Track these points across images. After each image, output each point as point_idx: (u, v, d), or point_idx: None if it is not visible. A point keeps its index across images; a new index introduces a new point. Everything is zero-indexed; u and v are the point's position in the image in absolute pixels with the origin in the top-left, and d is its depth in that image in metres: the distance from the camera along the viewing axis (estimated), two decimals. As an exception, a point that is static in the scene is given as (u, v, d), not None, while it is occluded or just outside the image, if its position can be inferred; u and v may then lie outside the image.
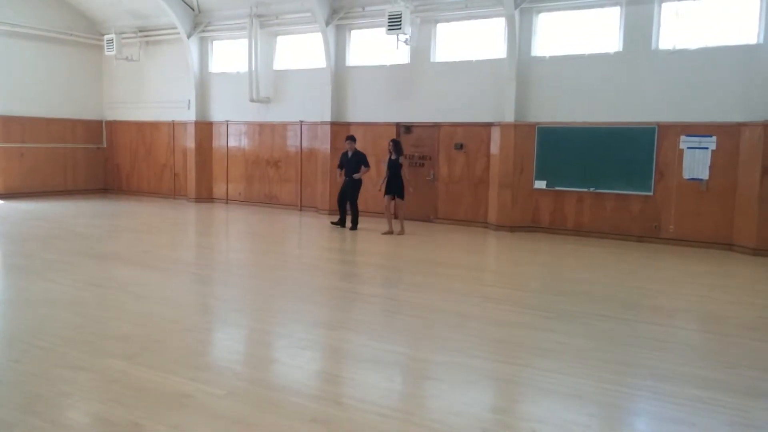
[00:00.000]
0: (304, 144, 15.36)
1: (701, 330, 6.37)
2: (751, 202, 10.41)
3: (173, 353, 5.06)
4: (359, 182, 12.30)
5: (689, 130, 11.03)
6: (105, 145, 18.73)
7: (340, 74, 14.63)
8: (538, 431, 3.84)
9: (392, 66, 13.97)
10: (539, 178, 12.38)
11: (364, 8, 13.83)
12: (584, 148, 11.87)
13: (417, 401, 4.39)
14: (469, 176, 13.26)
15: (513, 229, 12.52)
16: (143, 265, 8.56)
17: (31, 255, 9.07)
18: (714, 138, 10.83)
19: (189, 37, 16.24)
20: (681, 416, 4.10)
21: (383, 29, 12.90)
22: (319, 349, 5.44)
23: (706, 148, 10.90)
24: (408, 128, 13.88)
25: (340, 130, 14.37)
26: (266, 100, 15.74)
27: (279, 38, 15.76)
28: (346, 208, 12.45)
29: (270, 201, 16.06)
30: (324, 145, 14.73)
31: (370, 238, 11.53)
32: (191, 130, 16.80)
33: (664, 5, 11.22)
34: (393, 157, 11.64)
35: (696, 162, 11.00)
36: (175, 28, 16.21)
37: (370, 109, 14.31)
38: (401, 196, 11.72)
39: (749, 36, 10.60)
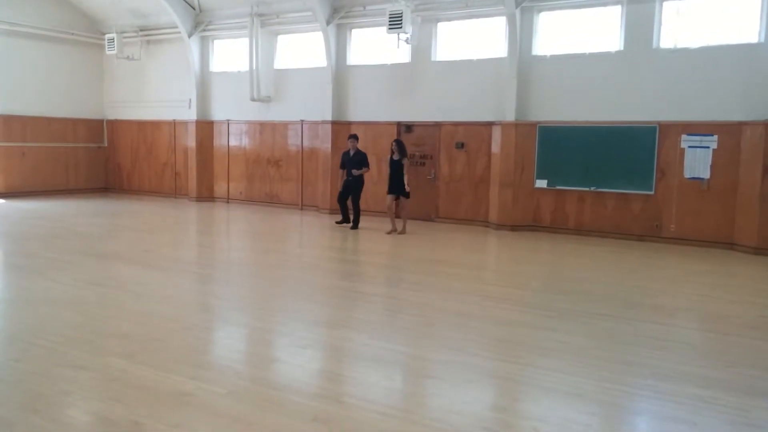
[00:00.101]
0: (305, 143, 15.36)
1: (702, 329, 6.37)
2: (752, 201, 10.40)
3: (174, 352, 5.07)
4: (362, 181, 12.27)
5: (690, 129, 11.02)
6: (106, 144, 18.74)
7: (340, 73, 14.62)
8: (539, 430, 3.84)
9: (393, 65, 13.96)
10: (540, 177, 12.37)
11: (364, 7, 13.83)
12: (585, 148, 11.86)
13: (418, 400, 4.39)
14: (470, 175, 13.26)
15: (514, 228, 12.51)
16: (144, 264, 8.56)
17: (32, 254, 9.07)
18: (715, 137, 10.82)
19: (190, 36, 16.24)
20: (682, 415, 4.10)
21: (384, 28, 12.89)
22: (319, 348, 5.44)
23: (707, 147, 10.89)
24: (409, 127, 13.88)
25: (341, 129, 14.37)
26: (267, 99, 15.74)
27: (280, 37, 15.76)
28: (348, 206, 12.42)
29: (271, 200, 16.06)
30: (325, 144, 14.73)
31: (371, 237, 11.53)
32: (192, 129, 16.80)
33: (665, 4, 11.21)
34: (395, 157, 11.63)
35: (697, 161, 10.99)
36: (176, 27, 16.21)
37: (371, 108, 14.31)
38: (406, 195, 11.71)
39: (750, 35, 10.59)
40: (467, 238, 11.74)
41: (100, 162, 18.73)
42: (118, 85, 18.38)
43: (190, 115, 16.85)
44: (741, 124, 10.60)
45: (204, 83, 16.78)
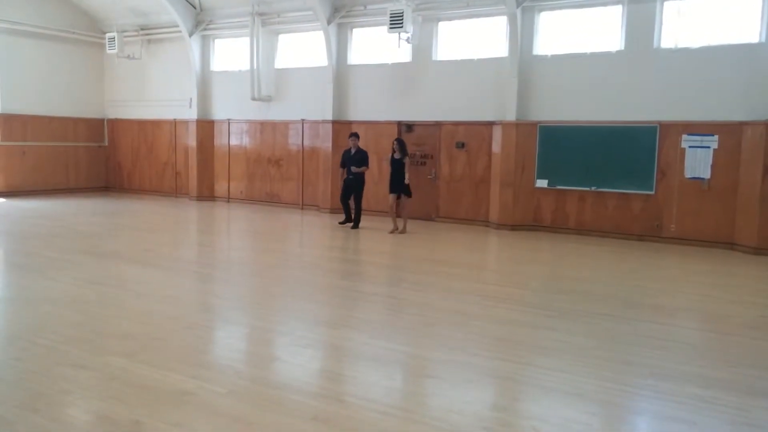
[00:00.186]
0: (306, 142, 15.36)
1: (702, 329, 6.37)
2: (752, 201, 10.39)
3: (174, 351, 5.07)
4: (363, 180, 12.26)
5: (691, 129, 11.02)
6: (107, 144, 18.75)
7: (341, 72, 14.62)
8: (539, 429, 3.84)
9: (394, 64, 13.96)
10: (541, 176, 12.37)
11: (365, 6, 13.83)
12: (586, 147, 11.86)
13: (418, 399, 4.39)
14: (470, 175, 13.26)
15: (514, 227, 12.51)
16: (144, 264, 8.56)
17: (33, 253, 9.08)
18: (716, 137, 10.82)
19: (191, 35, 16.24)
20: (682, 415, 4.10)
21: (385, 28, 12.89)
22: (320, 348, 5.44)
23: (708, 147, 10.89)
24: (409, 127, 13.88)
25: (342, 128, 14.37)
26: (268, 99, 15.74)
27: (281, 36, 15.76)
28: (350, 205, 12.40)
29: (271, 199, 16.06)
30: (325, 143, 14.73)
31: (372, 236, 11.53)
32: (193, 129, 16.80)
33: (666, 4, 11.21)
34: (397, 156, 11.63)
35: (697, 161, 10.99)
36: (177, 26, 16.22)
37: (372, 107, 14.30)
38: (408, 193, 11.72)
39: (751, 35, 10.58)
40: (468, 238, 11.74)
41: (101, 161, 18.74)
42: (118, 85, 18.38)
43: (191, 114, 16.85)
44: (741, 124, 10.59)
45: (205, 82, 16.78)
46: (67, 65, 17.61)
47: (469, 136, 13.20)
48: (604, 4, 11.72)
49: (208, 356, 5.13)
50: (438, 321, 6.16)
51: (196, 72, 16.57)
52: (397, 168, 11.63)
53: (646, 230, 11.51)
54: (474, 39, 13.17)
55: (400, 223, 11.90)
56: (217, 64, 16.78)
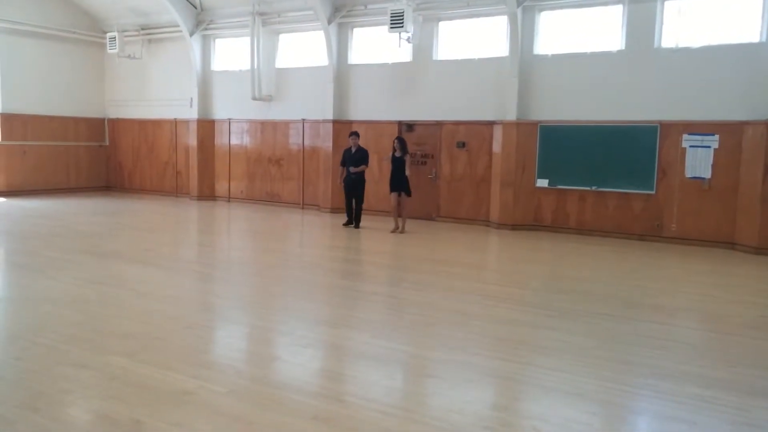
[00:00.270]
0: (306, 142, 15.36)
1: (703, 329, 6.37)
2: (753, 201, 10.39)
3: (175, 351, 5.07)
4: (363, 180, 12.24)
5: (692, 128, 11.01)
6: (107, 143, 18.75)
7: (342, 72, 14.62)
8: (540, 429, 3.84)
9: (394, 64, 13.96)
10: (541, 176, 12.37)
11: (366, 6, 13.83)
12: (586, 147, 11.86)
13: (418, 399, 4.39)
14: (471, 174, 13.26)
15: (515, 227, 12.51)
16: (145, 263, 8.57)
17: (33, 253, 9.08)
18: (716, 136, 10.82)
19: (191, 35, 16.24)
20: (682, 415, 4.10)
21: (385, 27, 12.89)
22: (320, 347, 5.44)
23: (709, 147, 10.88)
24: (410, 126, 13.88)
25: (342, 128, 14.37)
26: (268, 98, 15.74)
27: (281, 36, 15.76)
28: (353, 206, 12.37)
29: (272, 199, 16.06)
30: (326, 143, 14.73)
31: (372, 236, 11.53)
32: (193, 128, 16.80)
33: (666, 4, 11.20)
34: (398, 154, 11.64)
35: (698, 160, 10.98)
36: (178, 26, 16.22)
37: (372, 107, 14.30)
38: (408, 193, 11.73)
39: (752, 34, 10.57)
40: (468, 238, 11.74)
41: (102, 161, 18.75)
42: (119, 84, 18.38)
43: (192, 113, 16.85)
44: (742, 124, 10.59)
45: (205, 82, 16.78)
46: (68, 65, 17.61)
47: (470, 136, 13.20)
48: (605, 4, 11.71)
49: (208, 356, 5.14)
50: (438, 320, 6.16)
51: (196, 72, 16.57)
52: (398, 166, 11.64)
53: (647, 230, 11.50)
54: (474, 39, 13.16)
55: (401, 223, 11.89)
56: (218, 63, 16.78)
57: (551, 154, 12.23)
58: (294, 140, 15.58)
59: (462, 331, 5.82)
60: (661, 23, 11.24)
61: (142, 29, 17.35)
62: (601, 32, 11.83)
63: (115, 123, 18.59)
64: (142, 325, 5.72)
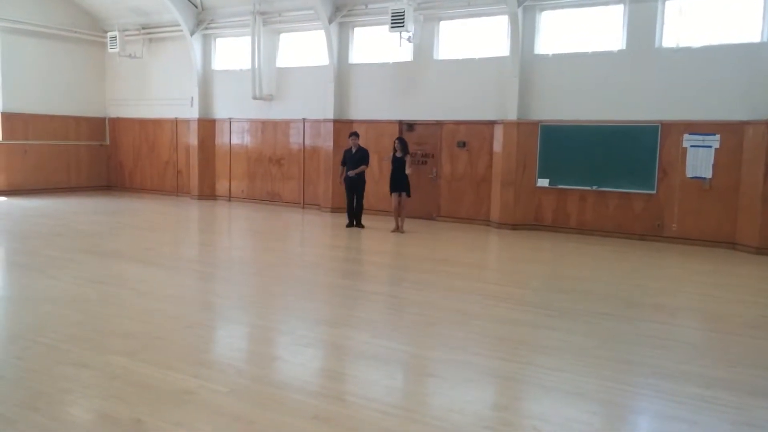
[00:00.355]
0: (307, 141, 15.36)
1: (703, 328, 6.36)
2: (754, 200, 10.38)
3: (175, 350, 5.07)
4: (363, 179, 12.24)
5: (692, 128, 11.01)
6: (108, 143, 18.76)
7: (342, 72, 14.62)
8: (540, 429, 3.84)
9: (395, 63, 13.96)
10: (542, 176, 12.37)
11: (367, 6, 13.82)
12: (587, 147, 11.85)
13: (419, 399, 4.39)
14: (471, 174, 13.25)
15: (515, 227, 12.50)
16: (146, 263, 8.57)
17: (34, 252, 9.09)
18: (717, 136, 10.81)
19: (192, 34, 16.24)
20: (683, 414, 4.10)
21: (386, 27, 12.90)
22: (321, 347, 5.44)
23: (710, 147, 10.88)
24: (411, 126, 13.88)
25: (343, 127, 14.36)
26: (269, 98, 15.74)
27: (282, 35, 15.76)
28: (353, 205, 12.36)
29: (272, 198, 16.06)
30: (327, 142, 14.73)
31: (373, 235, 11.53)
32: (194, 128, 16.81)
33: (667, 3, 11.19)
34: (398, 154, 11.64)
35: (699, 160, 10.98)
36: (178, 25, 16.22)
37: (373, 106, 14.30)
38: (408, 193, 11.73)
39: (753, 34, 10.57)
40: (469, 237, 11.74)
41: (102, 160, 18.75)
42: (120, 83, 18.39)
43: (192, 113, 16.85)
44: (743, 124, 10.58)
45: (206, 81, 16.79)
46: (69, 64, 17.61)
47: (471, 136, 13.20)
48: (606, 4, 11.70)
49: (209, 355, 5.14)
50: (439, 320, 6.16)
51: (197, 71, 16.57)
52: (399, 166, 11.64)
53: (648, 230, 11.50)
54: (475, 38, 13.16)
55: (401, 222, 11.89)
56: (219, 63, 16.79)
57: (552, 153, 12.23)
58: (295, 140, 15.58)
59: (462, 330, 5.82)
60: (662, 23, 11.24)
61: (143, 29, 17.36)
62: (602, 32, 11.83)
63: (116, 122, 18.60)
64: (143, 324, 5.73)
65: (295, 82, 15.47)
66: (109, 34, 17.14)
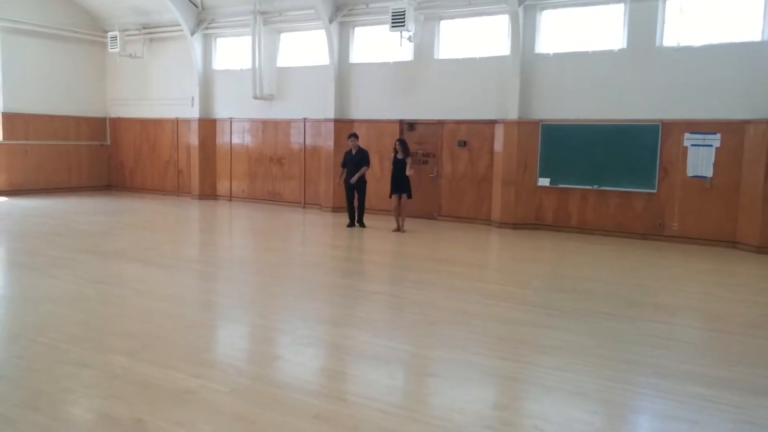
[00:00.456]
0: (308, 141, 15.36)
1: (704, 328, 6.36)
2: (755, 199, 10.37)
3: (176, 350, 5.07)
4: (364, 180, 12.23)
5: (693, 127, 11.00)
6: (109, 142, 18.76)
7: (343, 71, 14.62)
8: (541, 428, 3.83)
9: (396, 63, 13.95)
10: (543, 175, 12.36)
11: (367, 5, 13.82)
12: (588, 146, 11.85)
13: (419, 398, 4.39)
14: (472, 173, 13.25)
15: (516, 226, 12.50)
16: (146, 262, 8.57)
17: (34, 252, 9.09)
18: (718, 135, 10.80)
19: (193, 34, 16.24)
20: (684, 414, 4.10)
21: (387, 26, 12.89)
22: (322, 346, 5.44)
23: (710, 146, 10.87)
24: (411, 125, 13.87)
25: (344, 127, 14.36)
26: (270, 97, 15.74)
27: (282, 35, 15.75)
28: (355, 205, 12.36)
29: (273, 198, 16.06)
30: (327, 142, 14.73)
31: (374, 235, 11.53)
32: (195, 127, 16.81)
33: (668, 2, 11.18)
34: (399, 156, 11.64)
35: (700, 159, 10.97)
36: (179, 25, 16.22)
37: (374, 106, 14.30)
38: (408, 194, 11.72)
39: (754, 33, 10.56)
40: (469, 237, 11.74)
41: (103, 160, 18.76)
42: (120, 83, 18.39)
43: (193, 113, 16.85)
44: (744, 123, 10.58)
45: (207, 81, 16.79)
46: (69, 64, 17.62)
47: (471, 135, 13.19)
48: (606, 3, 11.69)
49: (209, 355, 5.14)
50: (439, 320, 6.16)
51: (198, 71, 16.57)
52: (399, 168, 11.64)
53: (649, 229, 11.49)
54: (476, 37, 13.15)
55: (402, 222, 11.89)
56: (219, 62, 16.79)
57: (553, 153, 12.22)
58: (295, 139, 15.58)
59: (463, 330, 5.82)
60: (663, 22, 11.23)
61: (144, 28, 17.35)
62: (603, 31, 11.82)
63: (117, 122, 18.60)
64: (143, 324, 5.73)
65: (295, 82, 15.47)
66: (110, 33, 17.15)
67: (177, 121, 17.37)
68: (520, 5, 11.96)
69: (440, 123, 13.51)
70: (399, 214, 11.87)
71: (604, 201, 11.87)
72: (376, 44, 14.25)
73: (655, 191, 11.36)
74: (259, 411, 3.97)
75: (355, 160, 12.12)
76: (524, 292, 7.58)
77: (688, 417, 4.05)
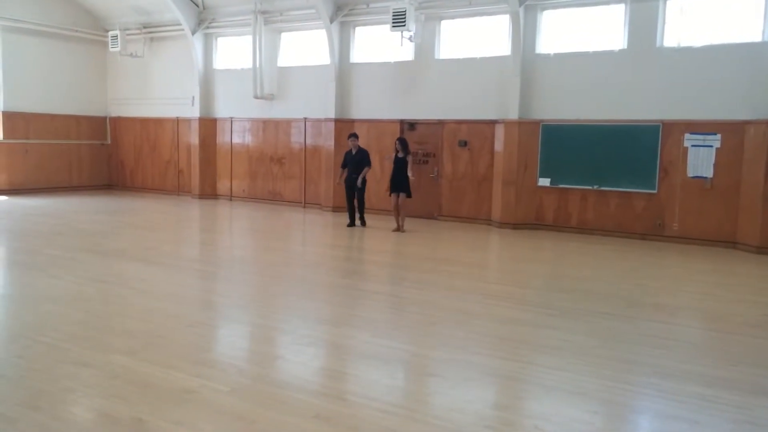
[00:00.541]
0: (308, 141, 15.36)
1: (704, 328, 6.36)
2: (755, 200, 10.37)
3: (177, 349, 5.07)
4: (365, 179, 12.23)
5: (693, 127, 11.00)
6: (109, 142, 18.77)
7: (344, 71, 14.62)
8: (541, 428, 3.83)
9: (396, 63, 13.95)
10: (543, 175, 12.36)
11: (368, 5, 13.82)
12: (588, 146, 11.85)
13: (420, 398, 4.39)
14: (472, 173, 13.25)
15: (516, 226, 12.50)
16: (147, 262, 8.57)
17: (35, 251, 9.09)
18: (718, 136, 10.80)
19: (193, 33, 16.24)
20: (684, 414, 4.10)
21: (387, 26, 12.88)
22: (322, 346, 5.44)
23: (711, 146, 10.87)
24: (412, 125, 13.87)
25: (344, 126, 14.36)
26: (270, 97, 15.74)
27: (283, 35, 15.76)
28: (355, 205, 12.36)
29: (274, 198, 16.07)
30: (328, 141, 14.73)
31: (374, 235, 11.53)
32: (195, 127, 16.81)
33: (668, 2, 11.18)
34: (400, 155, 11.64)
35: (700, 160, 10.97)
36: (180, 24, 16.22)
37: (374, 105, 14.30)
38: (408, 193, 11.72)
39: (754, 34, 10.56)
40: (470, 237, 11.74)
41: (103, 159, 18.76)
42: (121, 83, 18.40)
43: (194, 112, 16.86)
44: (744, 123, 10.57)
45: (207, 81, 16.79)
46: (70, 63, 17.62)
47: (472, 135, 13.19)
48: (607, 3, 11.69)
49: (210, 354, 5.14)
50: (440, 319, 6.16)
51: (198, 70, 16.57)
52: (400, 166, 11.64)
53: (649, 229, 11.49)
54: (477, 37, 13.15)
55: (401, 222, 11.89)
56: (220, 62, 16.79)
57: (553, 153, 12.22)
58: (296, 139, 15.59)
59: (463, 330, 5.82)
60: (663, 22, 11.23)
61: (144, 28, 17.36)
62: (603, 31, 11.82)
63: (117, 121, 18.61)
64: (144, 323, 5.73)
65: (296, 82, 15.47)
66: (111, 33, 17.16)
67: (177, 121, 17.37)
68: (520, 5, 11.96)
69: (441, 123, 13.51)
70: (398, 213, 11.87)
71: (604, 201, 11.87)
72: (377, 44, 14.25)
73: (655, 191, 11.36)
74: (260, 411, 3.97)
75: (355, 160, 12.12)
76: (524, 292, 7.59)
77: (689, 417, 4.05)
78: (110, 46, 17.18)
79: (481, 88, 12.94)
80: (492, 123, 12.87)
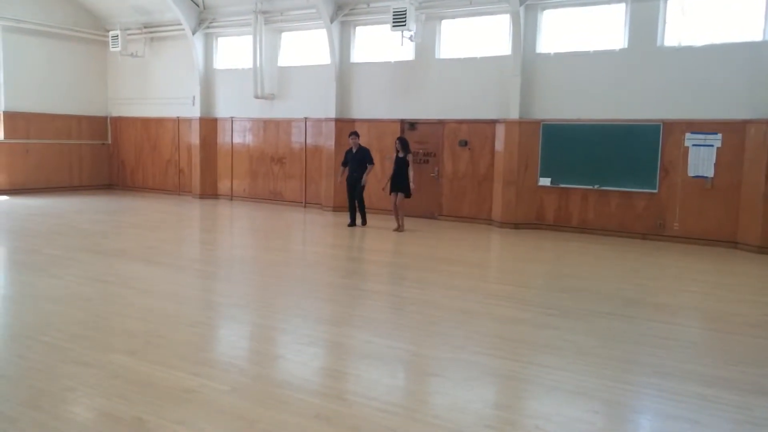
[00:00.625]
0: (309, 140, 15.36)
1: (705, 327, 6.36)
2: (756, 199, 10.37)
3: (177, 349, 5.08)
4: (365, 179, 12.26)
5: (694, 127, 10.99)
6: (110, 141, 18.77)
7: (344, 71, 14.62)
8: (542, 428, 3.83)
9: (397, 62, 13.95)
10: (544, 175, 12.36)
11: (368, 5, 13.82)
12: (589, 145, 11.84)
13: (420, 398, 4.39)
14: (473, 173, 13.25)
15: (517, 226, 12.50)
16: (147, 261, 8.57)
17: (36, 251, 9.09)
18: (719, 135, 10.80)
19: (194, 33, 16.25)
20: (684, 413, 4.10)
21: (388, 26, 12.87)
22: (322, 346, 5.44)
23: (711, 146, 10.86)
24: (412, 125, 13.87)
25: (345, 126, 14.36)
26: (271, 97, 15.74)
27: (284, 35, 15.76)
28: (356, 205, 12.37)
29: (274, 198, 16.07)
30: (328, 141, 14.73)
31: (374, 234, 11.53)
32: (196, 127, 16.82)
33: (669, 2, 11.18)
34: (400, 154, 11.65)
35: (701, 159, 10.97)
36: (180, 24, 16.22)
37: (375, 105, 14.30)
38: (407, 193, 11.72)
39: (755, 33, 10.55)
40: (470, 236, 11.74)
41: (104, 159, 18.77)
42: (121, 82, 18.41)
43: (194, 112, 16.86)
44: (745, 123, 10.57)
45: (208, 80, 16.80)
46: (71, 63, 17.63)
47: (472, 135, 13.19)
48: (608, 2, 11.68)
49: (210, 354, 5.14)
50: (440, 319, 6.16)
51: (199, 70, 16.58)
52: (401, 166, 11.64)
53: (649, 229, 11.49)
54: (477, 37, 13.15)
55: (401, 221, 11.89)
56: (220, 62, 16.79)
57: (554, 152, 12.22)
58: (296, 139, 15.59)
59: (464, 329, 5.82)
60: (664, 22, 11.22)
61: (145, 27, 17.36)
62: (604, 31, 11.81)
63: (118, 121, 18.61)
64: (145, 323, 5.73)
65: (296, 81, 15.47)
66: (111, 33, 17.17)
67: (178, 121, 17.38)
68: (521, 5, 11.95)
69: (441, 122, 13.51)
70: (397, 213, 11.87)
71: (605, 201, 11.86)
72: (378, 44, 14.25)
73: (656, 191, 11.36)
74: (260, 410, 3.97)
75: (356, 159, 12.12)
76: (525, 291, 7.59)
77: (689, 417, 4.05)
78: (111, 45, 17.20)
79: (482, 88, 12.94)
80: (492, 123, 12.87)
